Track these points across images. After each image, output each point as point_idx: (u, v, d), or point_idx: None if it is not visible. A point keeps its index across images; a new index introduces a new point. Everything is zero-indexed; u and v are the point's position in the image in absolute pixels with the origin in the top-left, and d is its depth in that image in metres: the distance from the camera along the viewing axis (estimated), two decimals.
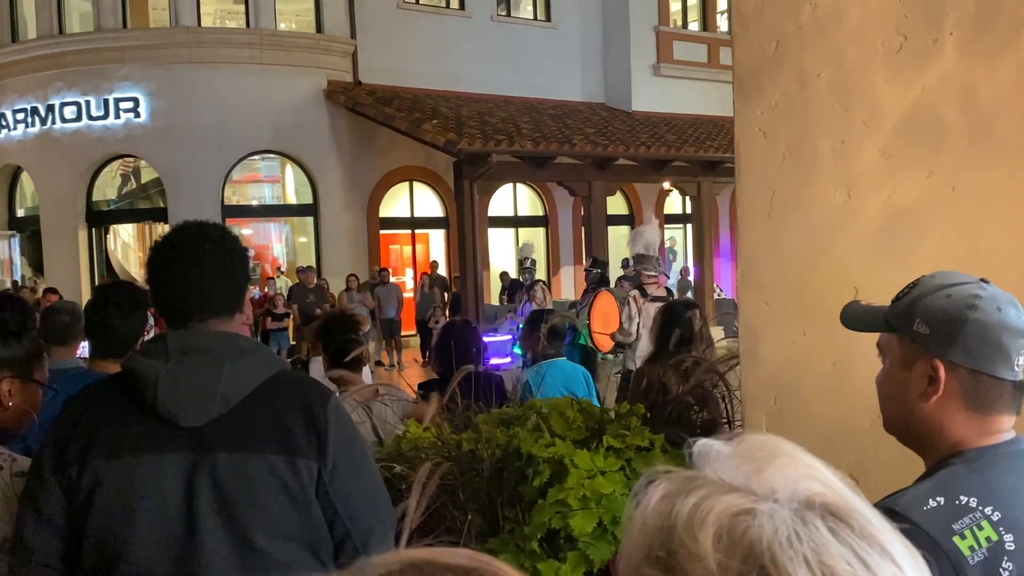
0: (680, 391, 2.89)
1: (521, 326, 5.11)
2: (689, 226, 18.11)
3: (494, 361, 7.94)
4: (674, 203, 19.65)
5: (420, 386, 4.21)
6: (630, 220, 18.17)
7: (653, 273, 7.35)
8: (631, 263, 9.93)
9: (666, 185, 17.26)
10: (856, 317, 1.38)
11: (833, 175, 2.10)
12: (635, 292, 7.15)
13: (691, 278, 16.91)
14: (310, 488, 1.60)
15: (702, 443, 0.62)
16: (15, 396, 1.76)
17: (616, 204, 17.79)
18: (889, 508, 1.15)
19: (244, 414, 1.59)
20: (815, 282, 2.12)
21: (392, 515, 1.78)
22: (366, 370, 3.74)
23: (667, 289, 7.94)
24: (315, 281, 13.86)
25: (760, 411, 2.23)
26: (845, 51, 2.07)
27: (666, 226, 19.82)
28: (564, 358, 3.90)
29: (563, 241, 18.40)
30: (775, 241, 2.19)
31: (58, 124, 14.85)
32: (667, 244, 20.02)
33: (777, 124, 2.17)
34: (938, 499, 1.16)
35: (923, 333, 1.24)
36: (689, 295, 16.32)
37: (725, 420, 2.81)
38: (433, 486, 1.87)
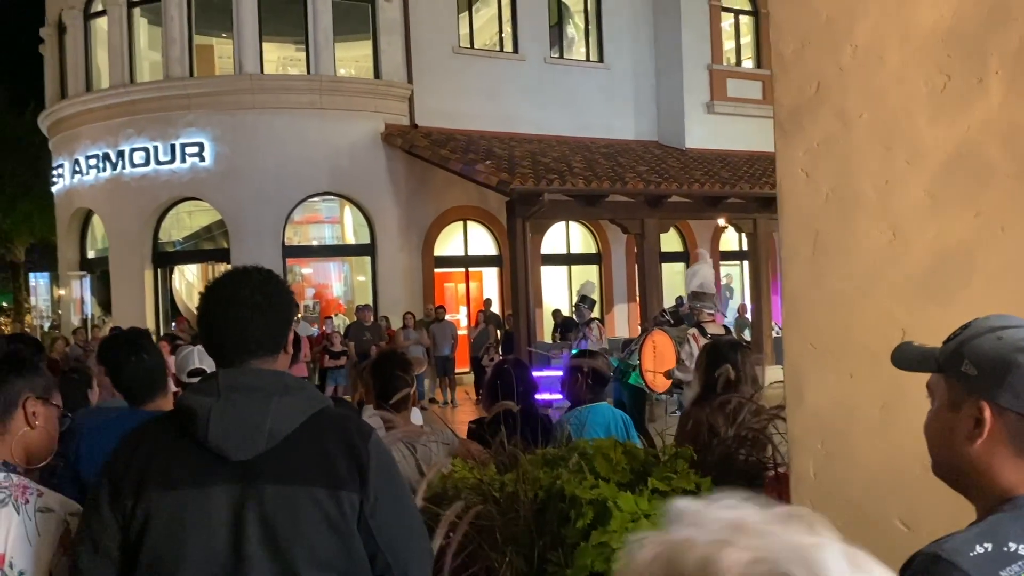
0: (728, 434, 2.85)
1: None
2: (746, 263, 17.89)
3: (546, 396, 7.90)
4: (730, 240, 19.46)
5: (471, 424, 4.24)
6: (684, 257, 18.04)
7: (711, 311, 7.28)
8: (685, 301, 9.83)
9: (721, 222, 17.11)
10: (907, 357, 1.37)
11: (877, 215, 2.07)
12: (694, 330, 7.08)
13: (748, 316, 16.66)
14: (352, 520, 1.64)
15: (678, 504, 0.63)
16: (40, 417, 1.85)
17: (670, 241, 17.70)
18: (934, 553, 1.13)
19: (290, 448, 1.65)
20: (861, 324, 2.09)
21: (430, 552, 1.81)
22: (415, 412, 3.76)
23: (725, 327, 7.84)
24: (371, 319, 14.04)
25: (807, 455, 2.19)
26: (887, 91, 2.06)
27: (722, 263, 19.62)
28: (606, 403, 3.86)
29: (616, 279, 18.34)
30: (819, 282, 2.17)
31: (128, 169, 15.45)
32: (724, 281, 19.81)
33: (819, 165, 2.16)
34: (985, 545, 1.13)
35: (970, 375, 1.22)
36: (747, 333, 16.08)
37: (773, 464, 2.76)
38: (464, 525, 1.88)
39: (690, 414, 3.13)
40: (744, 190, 15.24)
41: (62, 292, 17.91)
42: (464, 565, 2.08)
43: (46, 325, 21.23)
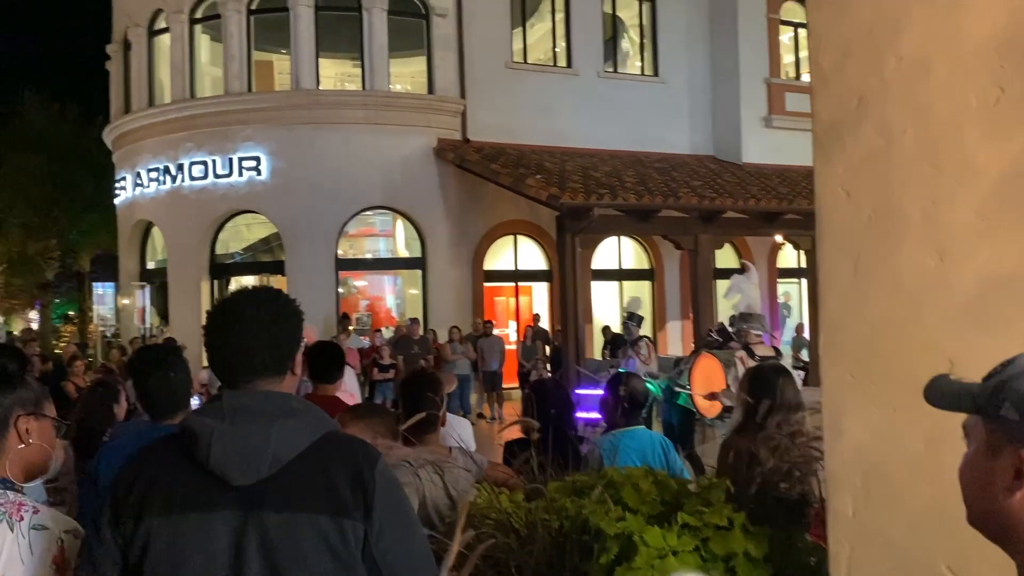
0: (770, 466, 2.70)
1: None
2: (804, 280, 17.46)
3: (591, 415, 7.77)
4: (788, 256, 19.04)
5: (507, 444, 4.15)
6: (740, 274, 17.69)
7: (759, 332, 7.09)
8: (728, 320, 9.59)
9: (778, 238, 16.74)
10: (942, 394, 1.24)
11: (923, 238, 1.94)
12: (742, 353, 6.90)
13: (807, 335, 16.25)
14: (356, 550, 1.59)
15: None
16: (33, 433, 1.83)
17: (726, 257, 17.38)
18: None
19: (293, 474, 1.60)
20: (905, 353, 1.95)
21: None
22: (464, 425, 3.69)
23: (775, 349, 7.63)
24: (419, 333, 14.07)
25: (846, 492, 2.05)
26: (934, 105, 1.93)
27: (780, 280, 19.20)
28: (642, 427, 3.73)
29: (669, 295, 18.09)
30: (860, 309, 2.04)
31: (187, 182, 15.84)
32: (781, 299, 19.36)
33: (861, 183, 2.03)
34: None
35: (1011, 419, 1.10)
36: (804, 353, 15.67)
37: (820, 498, 2.61)
38: (474, 559, 1.79)
39: (731, 443, 2.99)
40: (802, 206, 14.87)
41: (125, 302, 18.40)
42: None
43: (109, 334, 21.84)
